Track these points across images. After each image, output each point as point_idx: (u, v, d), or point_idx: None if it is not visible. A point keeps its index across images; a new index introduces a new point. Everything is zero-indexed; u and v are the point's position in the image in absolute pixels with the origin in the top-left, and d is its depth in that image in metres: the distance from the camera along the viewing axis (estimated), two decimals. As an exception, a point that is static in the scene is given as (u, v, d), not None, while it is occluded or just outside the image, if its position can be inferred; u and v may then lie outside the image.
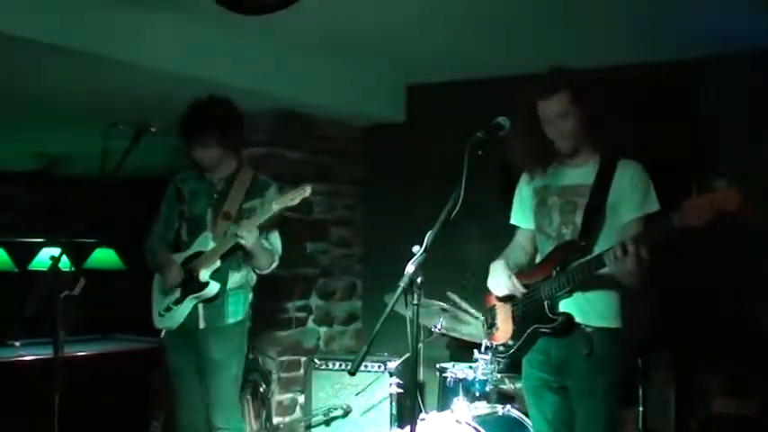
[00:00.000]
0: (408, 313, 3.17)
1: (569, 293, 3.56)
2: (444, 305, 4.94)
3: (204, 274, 4.36)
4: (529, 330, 3.69)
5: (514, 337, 3.78)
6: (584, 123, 3.58)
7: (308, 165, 6.25)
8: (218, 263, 4.38)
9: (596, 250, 3.50)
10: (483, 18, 4.82)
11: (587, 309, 3.57)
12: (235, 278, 4.46)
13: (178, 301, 4.41)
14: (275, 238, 4.55)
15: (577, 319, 3.56)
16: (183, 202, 4.60)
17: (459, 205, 3.16)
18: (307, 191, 4.24)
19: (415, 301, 3.10)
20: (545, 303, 3.60)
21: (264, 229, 4.44)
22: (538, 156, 3.72)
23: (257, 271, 4.54)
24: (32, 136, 7.74)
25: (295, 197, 4.24)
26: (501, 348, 3.88)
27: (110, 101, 5.72)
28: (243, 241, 4.26)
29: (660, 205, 3.51)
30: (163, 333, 4.53)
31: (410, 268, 3.08)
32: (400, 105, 6.54)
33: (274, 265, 4.55)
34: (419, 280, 3.08)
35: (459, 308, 4.99)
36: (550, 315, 3.59)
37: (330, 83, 5.88)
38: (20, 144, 8.04)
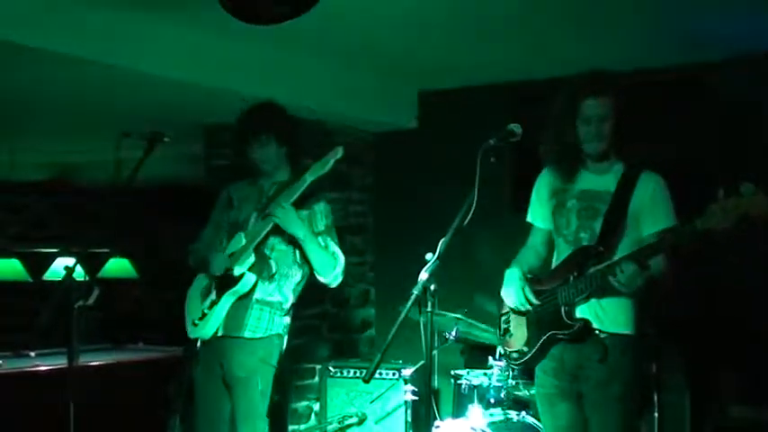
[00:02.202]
0: (422, 320, 3.17)
1: (586, 299, 3.55)
2: (458, 315, 4.93)
3: (238, 269, 4.22)
4: (544, 337, 3.66)
5: (529, 343, 3.76)
6: (618, 129, 3.57)
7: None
8: (252, 257, 4.24)
9: (614, 257, 3.49)
10: (495, 25, 4.82)
11: (602, 315, 3.56)
12: (263, 289, 4.29)
13: (213, 303, 4.29)
14: (333, 246, 4.33)
15: (593, 326, 3.55)
16: (231, 209, 4.50)
17: (472, 212, 3.15)
18: (338, 152, 4.11)
19: (429, 309, 3.09)
20: (562, 309, 3.58)
21: (317, 236, 4.30)
22: (569, 157, 3.69)
23: (319, 277, 4.31)
24: (46, 146, 7.78)
25: (328, 161, 4.11)
26: (515, 355, 3.85)
27: (123, 110, 5.74)
28: (276, 220, 4.15)
29: (686, 210, 3.49)
30: (198, 344, 4.38)
31: (423, 275, 3.07)
32: (413, 112, 6.54)
33: (337, 272, 4.30)
34: (432, 287, 3.07)
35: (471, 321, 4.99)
36: (567, 321, 3.56)
37: (342, 90, 5.89)
38: (33, 154, 8.07)
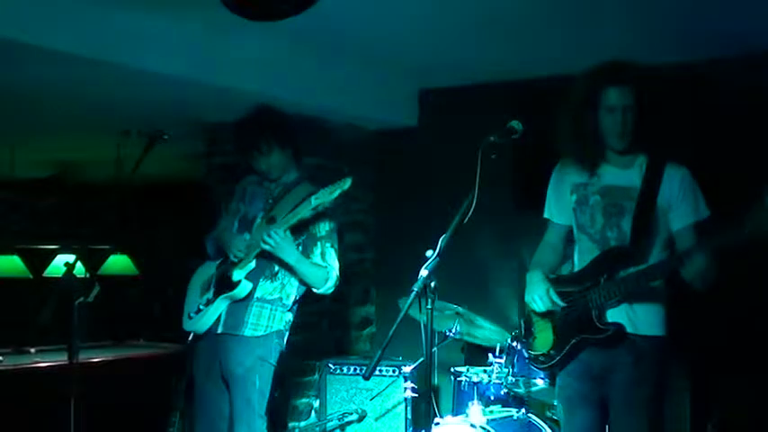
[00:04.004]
0: (422, 317, 3.16)
1: (618, 303, 3.48)
2: (458, 309, 4.93)
3: (237, 274, 4.24)
4: (574, 341, 3.57)
5: (556, 346, 3.66)
6: (642, 121, 3.47)
7: (321, 169, 6.24)
8: (252, 263, 4.25)
9: (649, 258, 3.46)
10: (496, 22, 4.81)
11: (634, 318, 3.48)
12: (264, 288, 4.30)
13: (209, 302, 4.32)
14: (330, 254, 4.34)
15: (626, 330, 3.48)
16: (243, 202, 4.54)
17: (472, 209, 3.15)
18: (346, 183, 4.03)
19: (429, 306, 3.09)
20: (593, 313, 3.50)
21: (317, 240, 4.32)
22: (590, 149, 3.59)
23: (314, 289, 4.32)
24: (47, 143, 7.78)
25: (335, 191, 4.04)
26: (542, 359, 3.75)
27: (123, 108, 5.73)
28: (265, 246, 4.14)
29: (717, 210, 3.45)
30: (191, 337, 4.43)
31: (424, 272, 3.07)
32: (413, 109, 6.54)
33: (329, 285, 4.31)
34: (433, 284, 3.07)
35: (472, 316, 4.99)
36: (599, 325, 3.48)
37: (343, 87, 5.88)
38: (34, 151, 8.08)
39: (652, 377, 3.49)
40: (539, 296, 3.62)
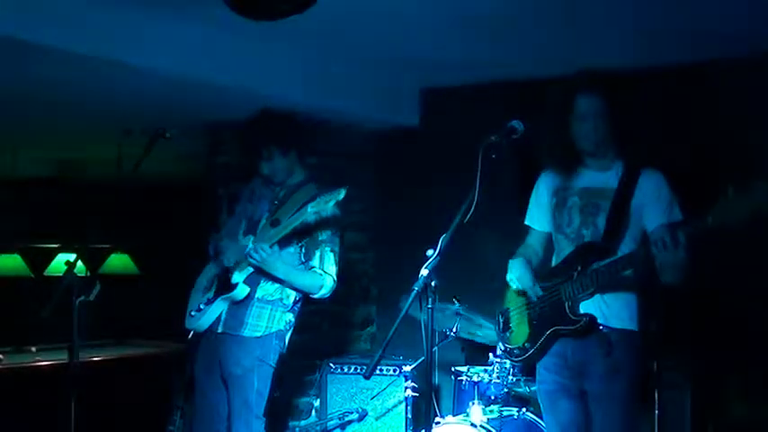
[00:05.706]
0: (423, 317, 3.17)
1: (591, 295, 3.55)
2: (458, 309, 4.93)
3: (236, 276, 4.27)
4: (547, 332, 3.66)
5: (531, 339, 3.76)
6: (615, 126, 3.58)
7: (322, 169, 6.23)
8: (251, 267, 4.28)
9: (619, 253, 3.52)
10: (499, 21, 4.81)
11: (606, 311, 3.56)
12: (264, 289, 4.33)
13: (209, 302, 4.34)
14: (328, 259, 4.35)
15: (598, 321, 3.55)
16: (250, 203, 4.57)
17: (473, 209, 3.16)
18: (341, 193, 4.09)
19: (430, 305, 3.09)
20: (566, 305, 3.59)
21: (319, 244, 4.34)
22: (567, 155, 3.71)
23: (309, 295, 4.36)
24: (47, 142, 7.78)
25: (330, 201, 4.09)
26: (517, 351, 3.85)
27: (125, 107, 5.73)
28: (251, 261, 4.17)
29: (690, 208, 3.49)
30: (191, 334, 4.46)
31: (424, 272, 3.08)
32: (414, 109, 6.53)
33: (324, 291, 4.33)
34: (433, 283, 3.08)
35: (471, 314, 4.99)
36: (572, 317, 3.57)
37: (344, 87, 5.88)
38: (36, 150, 8.08)
39: (626, 370, 3.55)
40: (524, 276, 3.74)
